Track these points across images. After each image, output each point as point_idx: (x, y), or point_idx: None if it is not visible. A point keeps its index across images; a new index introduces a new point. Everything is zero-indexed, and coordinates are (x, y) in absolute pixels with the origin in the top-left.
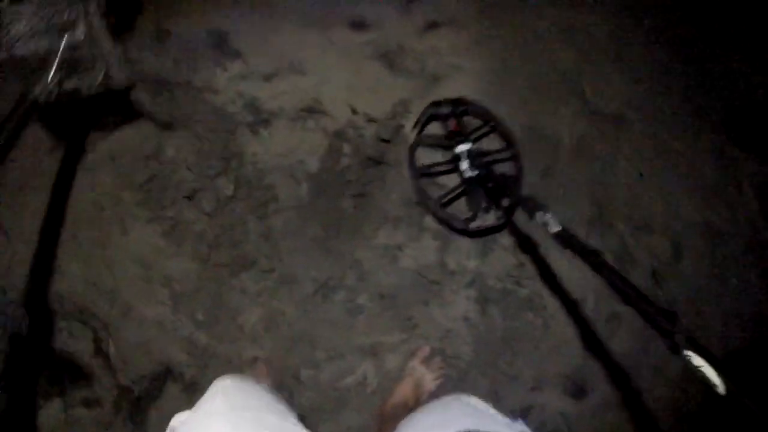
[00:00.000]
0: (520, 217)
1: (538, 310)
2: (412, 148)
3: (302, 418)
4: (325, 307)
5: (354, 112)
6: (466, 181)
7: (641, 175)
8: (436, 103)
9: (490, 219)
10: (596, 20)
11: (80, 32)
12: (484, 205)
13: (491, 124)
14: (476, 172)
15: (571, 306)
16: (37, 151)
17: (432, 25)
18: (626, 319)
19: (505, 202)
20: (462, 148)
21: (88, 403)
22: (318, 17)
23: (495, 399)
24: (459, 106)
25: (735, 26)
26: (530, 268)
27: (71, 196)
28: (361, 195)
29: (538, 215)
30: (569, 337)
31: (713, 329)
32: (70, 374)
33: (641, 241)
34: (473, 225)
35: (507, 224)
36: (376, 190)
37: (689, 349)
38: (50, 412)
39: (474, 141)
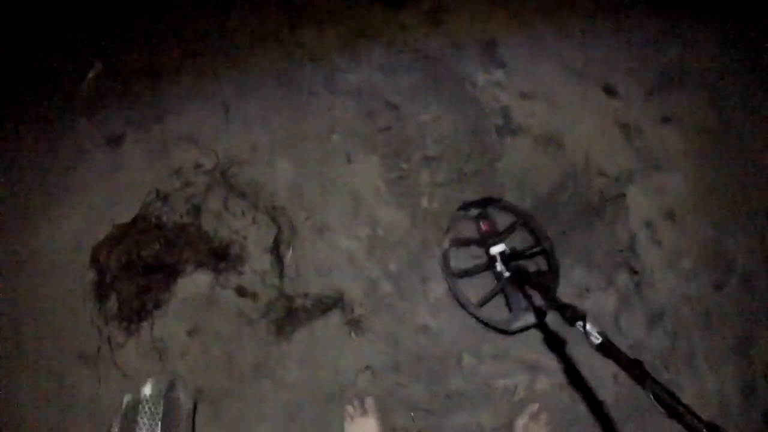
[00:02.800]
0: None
1: None
2: (446, 253)
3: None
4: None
5: (588, 160)
6: (503, 281)
7: None
8: (466, 205)
9: (530, 318)
10: None
11: None
12: (523, 304)
13: (522, 220)
14: (511, 273)
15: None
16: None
17: (668, 119)
18: None
19: (541, 302)
20: (496, 249)
21: (241, 292)
22: (577, 67)
23: None
24: (489, 206)
25: None
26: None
27: (308, 106)
28: (567, 233)
29: (578, 324)
30: None
31: None
32: (234, 257)
33: None
34: (514, 326)
35: (538, 325)
36: (582, 234)
37: None
38: (196, 282)
39: (507, 240)
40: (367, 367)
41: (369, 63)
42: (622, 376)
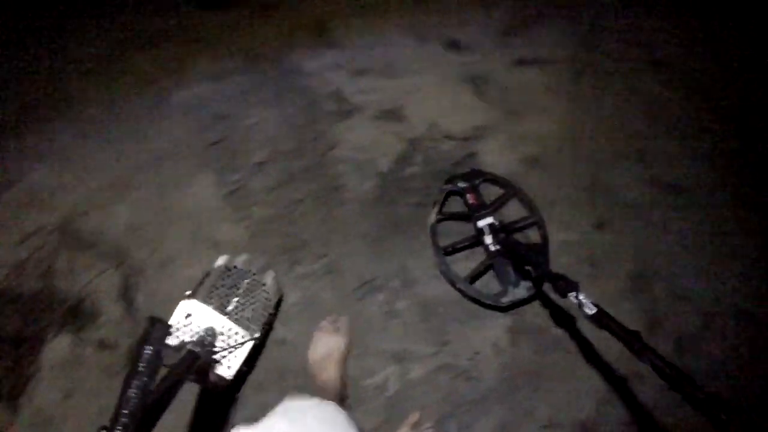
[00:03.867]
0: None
1: (566, 352)
2: (434, 227)
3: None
4: (363, 304)
5: (433, 125)
6: (492, 255)
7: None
8: (452, 179)
9: (520, 292)
10: (674, 96)
11: None
12: (513, 278)
13: (510, 192)
14: (500, 246)
15: (598, 358)
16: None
17: (523, 62)
18: (649, 382)
19: (534, 273)
20: (484, 222)
21: (101, 345)
22: (417, 29)
23: (506, 430)
24: (475, 179)
25: None
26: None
27: (139, 137)
28: (422, 205)
29: (571, 296)
30: (590, 386)
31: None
32: (88, 312)
33: (673, 309)
34: (504, 300)
35: (537, 296)
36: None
37: None
38: (58, 346)
39: (495, 213)
40: None
41: (197, 76)
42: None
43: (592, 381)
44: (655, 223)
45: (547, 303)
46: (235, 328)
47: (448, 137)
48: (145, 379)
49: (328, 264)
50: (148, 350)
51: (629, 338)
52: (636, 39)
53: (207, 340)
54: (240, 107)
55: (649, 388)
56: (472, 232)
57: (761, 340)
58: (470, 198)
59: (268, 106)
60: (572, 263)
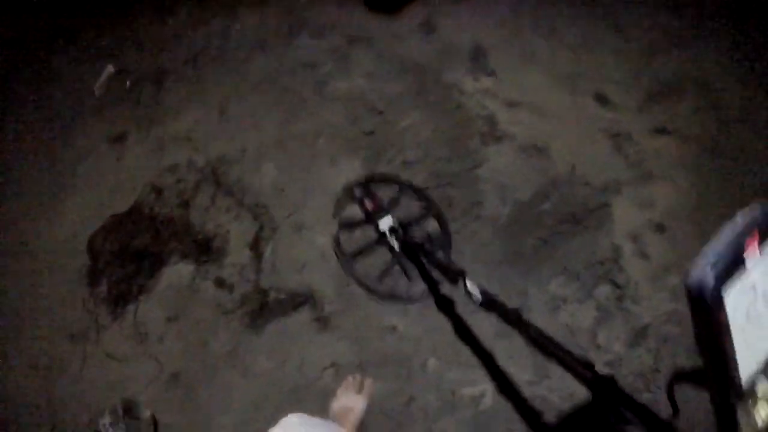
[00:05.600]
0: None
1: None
2: (337, 236)
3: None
4: (477, 317)
5: (573, 169)
6: (396, 254)
7: None
8: (348, 189)
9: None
10: None
11: None
12: (417, 274)
13: (405, 188)
14: (402, 244)
15: None
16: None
17: (662, 130)
18: None
19: (431, 268)
20: (384, 224)
21: (219, 283)
22: (568, 76)
23: None
24: (369, 184)
25: None
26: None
27: (298, 109)
28: (547, 241)
29: (460, 282)
30: None
31: None
32: (216, 250)
33: None
34: (414, 293)
35: (437, 292)
36: (563, 243)
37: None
38: (179, 272)
39: (393, 213)
40: (332, 364)
41: (359, 70)
42: None
43: None
44: None
45: (438, 296)
46: None
47: (586, 184)
48: None
49: None
50: None
51: (511, 315)
52: None
53: None
54: (396, 108)
55: None
56: (375, 236)
57: None
58: (368, 203)
59: (424, 113)
60: (674, 335)
